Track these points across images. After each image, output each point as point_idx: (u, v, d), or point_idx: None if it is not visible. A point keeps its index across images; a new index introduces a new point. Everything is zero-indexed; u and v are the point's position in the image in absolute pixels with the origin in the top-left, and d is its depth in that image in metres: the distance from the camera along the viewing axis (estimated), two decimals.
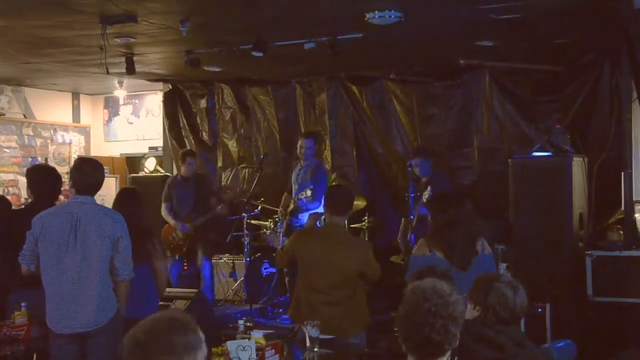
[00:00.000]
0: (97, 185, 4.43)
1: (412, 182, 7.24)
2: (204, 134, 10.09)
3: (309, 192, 7.18)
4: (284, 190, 8.02)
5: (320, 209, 7.24)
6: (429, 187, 6.80)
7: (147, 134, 11.01)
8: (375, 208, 8.57)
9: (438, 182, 7.07)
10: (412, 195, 7.13)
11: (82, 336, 4.15)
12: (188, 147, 9.96)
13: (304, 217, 7.35)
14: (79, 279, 4.13)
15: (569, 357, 3.95)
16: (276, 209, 7.93)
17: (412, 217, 7.10)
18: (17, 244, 4.36)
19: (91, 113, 11.50)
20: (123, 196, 5.48)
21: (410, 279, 3.89)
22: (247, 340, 3.65)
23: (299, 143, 7.53)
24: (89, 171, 4.37)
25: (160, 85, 10.11)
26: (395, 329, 2.56)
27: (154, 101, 10.85)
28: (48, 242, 4.18)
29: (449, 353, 2.51)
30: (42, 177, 5.16)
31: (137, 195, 5.64)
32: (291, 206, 7.43)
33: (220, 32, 6.81)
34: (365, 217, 8.09)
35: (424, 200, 6.73)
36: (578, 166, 6.61)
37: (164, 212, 8.18)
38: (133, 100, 11.12)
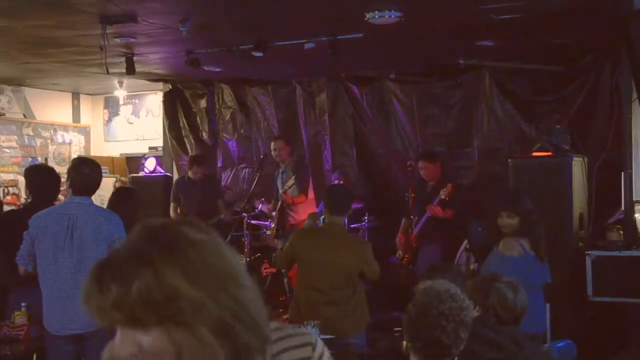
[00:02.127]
0: (95, 185, 4.40)
1: (415, 183, 7.24)
2: (204, 134, 10.08)
3: (290, 182, 7.34)
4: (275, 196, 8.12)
5: (310, 203, 7.32)
6: (448, 185, 6.85)
7: (147, 134, 11.01)
8: (375, 208, 8.57)
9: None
10: (413, 195, 7.13)
11: (80, 337, 4.14)
12: (188, 147, 9.99)
13: (298, 214, 7.46)
14: (75, 280, 4.11)
15: (569, 357, 3.95)
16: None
17: (415, 217, 7.11)
18: (16, 244, 4.35)
19: (91, 113, 11.50)
20: (121, 192, 5.48)
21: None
22: None
23: (272, 147, 7.89)
24: (86, 171, 4.34)
25: (160, 85, 10.10)
26: (396, 328, 2.57)
27: (154, 101, 10.84)
28: (44, 242, 4.17)
29: (454, 357, 2.51)
30: (40, 177, 5.14)
31: (134, 193, 5.65)
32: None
33: (220, 32, 6.80)
34: (365, 217, 8.09)
35: (444, 197, 6.78)
36: (578, 166, 6.60)
37: (171, 212, 8.33)
38: (133, 100, 11.12)
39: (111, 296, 0.98)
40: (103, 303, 0.98)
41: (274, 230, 7.68)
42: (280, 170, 7.92)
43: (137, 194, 5.94)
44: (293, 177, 7.41)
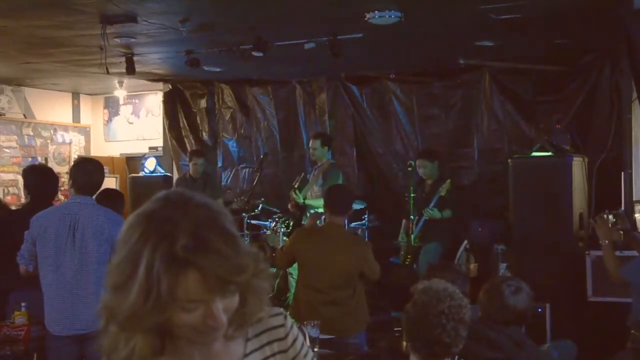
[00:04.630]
0: (97, 185, 4.40)
1: (414, 182, 7.24)
2: (204, 134, 10.09)
3: (307, 187, 7.28)
4: (284, 190, 8.02)
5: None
6: (448, 181, 6.85)
7: (147, 134, 11.02)
8: (375, 208, 8.57)
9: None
10: (413, 195, 7.13)
11: (81, 338, 4.12)
12: (188, 147, 9.99)
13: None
14: (77, 281, 4.09)
15: (569, 357, 3.96)
16: (275, 210, 7.98)
17: (413, 217, 7.11)
18: (14, 244, 4.34)
19: (91, 113, 11.50)
20: (103, 196, 5.36)
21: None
22: None
23: (310, 144, 7.64)
24: (90, 171, 4.33)
25: (160, 85, 10.11)
26: (396, 328, 2.57)
27: (154, 101, 10.85)
28: (46, 242, 4.15)
29: (454, 356, 2.52)
30: (37, 177, 5.12)
31: (119, 197, 5.57)
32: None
33: (220, 32, 6.81)
34: (365, 217, 8.08)
35: (444, 194, 6.78)
36: (578, 166, 6.60)
37: None
38: (133, 100, 11.12)
39: (246, 274, 1.32)
40: (239, 279, 1.31)
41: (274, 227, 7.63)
42: (315, 167, 7.81)
43: (121, 196, 5.84)
44: (299, 176, 7.37)
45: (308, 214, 7.41)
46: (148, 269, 1.26)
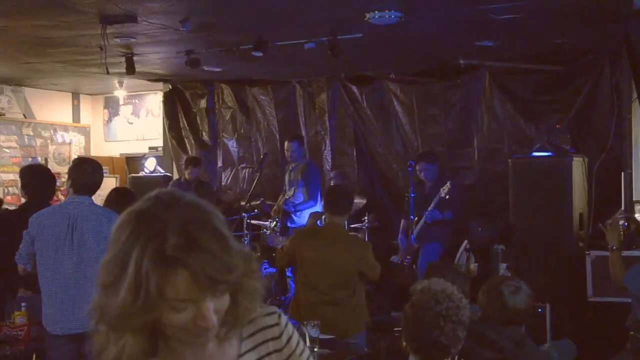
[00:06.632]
0: (96, 185, 4.38)
1: (413, 184, 7.25)
2: (204, 134, 10.09)
3: (291, 193, 7.36)
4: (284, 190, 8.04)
5: (318, 208, 7.28)
6: (448, 183, 6.86)
7: (147, 134, 11.02)
8: (375, 208, 8.57)
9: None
10: (413, 195, 7.13)
11: (80, 337, 4.12)
12: (188, 147, 9.99)
13: (300, 218, 7.44)
14: (75, 280, 4.10)
15: (569, 357, 3.96)
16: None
17: (412, 217, 7.11)
18: (12, 244, 4.33)
19: (91, 113, 11.50)
20: (115, 195, 5.38)
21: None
22: None
23: (285, 146, 7.78)
24: (88, 171, 4.33)
25: (160, 85, 10.11)
26: (396, 328, 2.56)
27: (154, 101, 10.85)
28: (45, 242, 4.15)
29: (453, 356, 2.52)
30: (34, 176, 5.12)
31: (132, 195, 5.58)
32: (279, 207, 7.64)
33: (220, 32, 6.81)
34: (365, 217, 8.08)
35: (444, 195, 6.79)
36: (578, 166, 6.61)
37: None
38: (133, 100, 11.12)
39: (236, 274, 1.31)
40: (229, 279, 1.30)
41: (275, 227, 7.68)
42: (290, 167, 7.85)
43: (133, 195, 5.86)
44: (292, 189, 7.46)
45: (294, 217, 7.49)
46: (137, 267, 1.25)
